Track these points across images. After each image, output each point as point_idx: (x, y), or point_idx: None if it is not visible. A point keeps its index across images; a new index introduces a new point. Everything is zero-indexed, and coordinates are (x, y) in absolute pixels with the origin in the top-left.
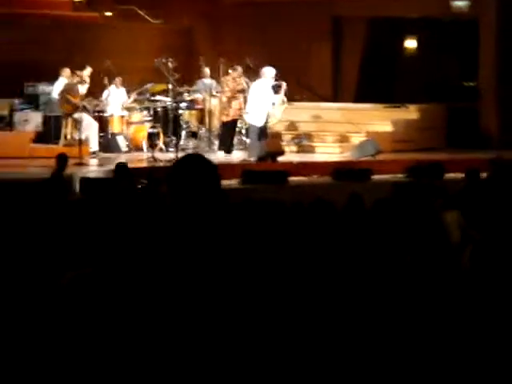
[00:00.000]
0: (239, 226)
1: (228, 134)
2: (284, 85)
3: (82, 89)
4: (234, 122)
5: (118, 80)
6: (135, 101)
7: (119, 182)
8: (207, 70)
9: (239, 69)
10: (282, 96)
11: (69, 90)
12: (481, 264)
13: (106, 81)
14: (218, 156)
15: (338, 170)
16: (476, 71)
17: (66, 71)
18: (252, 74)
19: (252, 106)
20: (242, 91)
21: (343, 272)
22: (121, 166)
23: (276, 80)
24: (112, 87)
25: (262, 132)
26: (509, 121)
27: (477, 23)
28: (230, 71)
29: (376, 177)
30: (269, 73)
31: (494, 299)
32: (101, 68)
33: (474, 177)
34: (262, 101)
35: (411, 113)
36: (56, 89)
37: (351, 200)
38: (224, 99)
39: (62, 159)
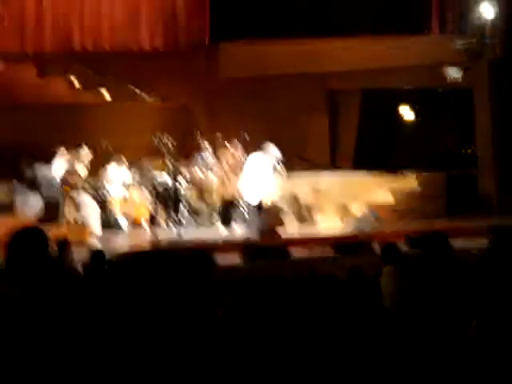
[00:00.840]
0: (242, 303)
1: (228, 209)
2: (282, 170)
3: (80, 169)
4: (234, 197)
5: (119, 158)
6: (135, 179)
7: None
8: (206, 145)
9: (238, 145)
10: (277, 178)
11: (67, 170)
12: (487, 336)
13: (106, 160)
14: (220, 231)
15: (340, 243)
16: (473, 138)
17: (63, 151)
18: (249, 147)
19: (252, 180)
20: (241, 167)
21: (345, 346)
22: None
23: (278, 163)
24: (112, 165)
25: (261, 206)
26: (507, 186)
27: (471, 91)
28: (228, 146)
29: (378, 248)
30: (272, 151)
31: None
32: (99, 148)
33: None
34: (260, 175)
35: (410, 181)
36: (54, 169)
37: (352, 274)
38: (222, 175)
39: (62, 244)
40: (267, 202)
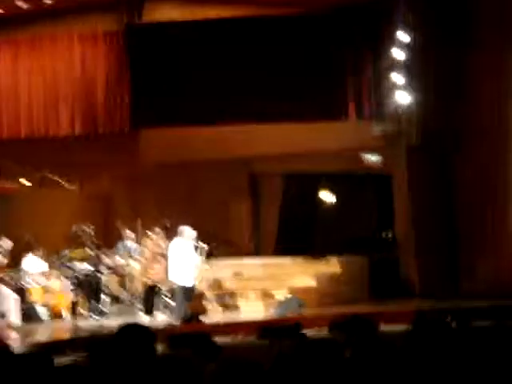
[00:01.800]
0: None
1: (150, 296)
2: (205, 248)
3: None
4: (156, 285)
5: (37, 248)
6: (54, 268)
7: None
8: (128, 233)
9: (160, 232)
10: (202, 258)
11: None
12: None
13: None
14: (142, 320)
15: (264, 328)
16: (393, 222)
17: None
18: (170, 234)
19: (176, 265)
20: (162, 254)
21: None
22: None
23: (196, 241)
24: (30, 256)
25: (189, 293)
26: (427, 270)
27: (390, 176)
28: (149, 233)
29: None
30: (188, 232)
31: None
32: (20, 239)
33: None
34: (184, 260)
35: (333, 266)
36: None
37: (278, 359)
38: (144, 262)
39: None
40: (190, 287)
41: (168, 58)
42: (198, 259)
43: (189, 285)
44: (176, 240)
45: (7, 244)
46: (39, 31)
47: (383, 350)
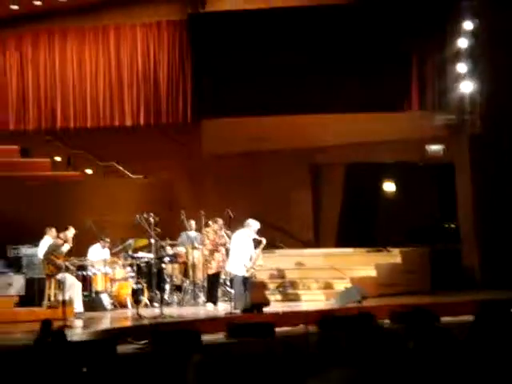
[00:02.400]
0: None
1: (213, 286)
2: (263, 241)
3: (64, 249)
4: (217, 274)
5: (105, 241)
6: (118, 257)
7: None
8: (192, 223)
9: (220, 221)
10: (259, 252)
11: (53, 251)
12: None
13: (90, 238)
14: (206, 308)
15: (324, 319)
16: (455, 212)
17: (53, 231)
18: (233, 224)
19: (234, 255)
20: (224, 244)
21: None
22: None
23: (257, 234)
24: (96, 245)
25: (246, 282)
26: (490, 260)
27: (452, 166)
28: (210, 223)
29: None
30: (254, 225)
31: None
32: (83, 227)
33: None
34: (244, 251)
35: (394, 256)
36: (42, 248)
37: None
38: (206, 252)
39: (45, 325)
40: (252, 277)
41: (231, 48)
42: (254, 251)
43: (243, 274)
44: (240, 231)
45: (71, 232)
46: (104, 20)
47: (445, 341)
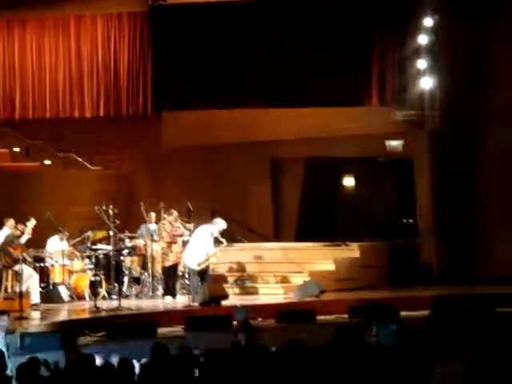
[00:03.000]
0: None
1: (170, 278)
2: (224, 243)
3: (23, 240)
4: (175, 266)
5: (63, 233)
6: (76, 249)
7: None
8: (153, 215)
9: (175, 213)
10: (215, 251)
11: (10, 242)
12: None
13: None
14: (165, 301)
15: (281, 313)
16: (414, 207)
17: (11, 222)
18: (193, 217)
19: (192, 249)
20: (180, 235)
21: None
22: None
23: (220, 234)
24: (55, 237)
25: (204, 275)
26: (447, 256)
27: (412, 161)
28: (165, 216)
29: (320, 317)
30: (221, 224)
31: None
32: (41, 218)
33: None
34: (203, 246)
35: (353, 251)
36: (1, 239)
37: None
38: (163, 244)
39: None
40: (210, 270)
41: (191, 40)
42: (211, 249)
43: (205, 267)
44: (204, 226)
45: (32, 223)
46: (65, 10)
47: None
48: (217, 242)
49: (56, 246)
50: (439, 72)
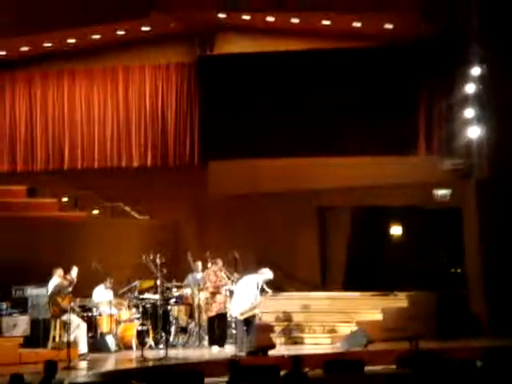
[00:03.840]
0: None
1: (216, 327)
2: (270, 293)
3: (71, 290)
4: (221, 316)
5: (108, 281)
6: (123, 298)
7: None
8: (199, 265)
9: (220, 262)
10: (260, 300)
11: (59, 292)
12: None
13: (95, 279)
14: (212, 351)
15: (329, 363)
16: (462, 257)
17: (60, 271)
18: (239, 267)
19: (238, 298)
20: (224, 285)
21: None
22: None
23: (266, 284)
24: (100, 287)
25: (249, 325)
26: (497, 307)
27: (459, 211)
28: (209, 265)
29: (368, 368)
30: (267, 274)
31: None
32: (88, 268)
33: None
34: (248, 296)
35: (400, 301)
36: (50, 288)
37: None
38: (207, 294)
39: (49, 367)
40: (257, 319)
41: (238, 90)
42: (258, 299)
43: (239, 317)
44: (250, 276)
45: (75, 272)
46: (113, 61)
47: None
48: (263, 291)
49: (102, 295)
50: (487, 121)
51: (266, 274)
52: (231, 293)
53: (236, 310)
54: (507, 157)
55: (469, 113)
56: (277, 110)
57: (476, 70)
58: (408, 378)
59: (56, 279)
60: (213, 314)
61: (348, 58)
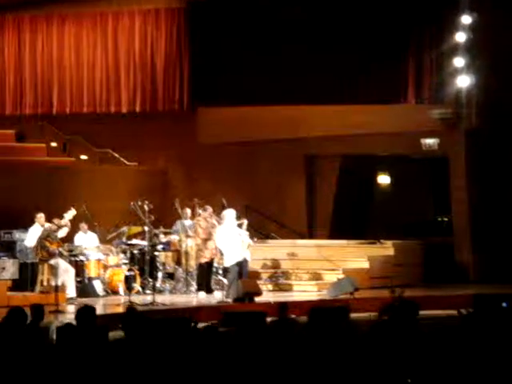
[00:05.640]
0: None
1: (205, 274)
2: (245, 222)
3: (62, 233)
4: (210, 263)
5: (83, 226)
6: (111, 244)
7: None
8: (188, 212)
9: (209, 209)
10: (244, 232)
11: (47, 236)
12: None
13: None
14: (199, 297)
15: (315, 310)
16: (449, 206)
17: (41, 217)
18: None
19: (222, 249)
20: (214, 231)
21: None
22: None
23: (237, 218)
24: (79, 233)
25: (241, 271)
26: (483, 255)
27: (447, 160)
28: (200, 212)
29: (354, 315)
30: (229, 214)
31: None
32: (77, 212)
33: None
34: (231, 242)
35: (387, 249)
36: (30, 235)
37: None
38: (199, 241)
39: (36, 310)
40: (240, 264)
41: (229, 37)
42: (243, 235)
43: (238, 261)
44: (219, 227)
45: (72, 214)
46: (103, 7)
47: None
48: (239, 225)
49: (90, 240)
50: (476, 70)
51: (227, 214)
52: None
53: (228, 259)
54: (496, 106)
55: (459, 62)
56: (267, 58)
57: (466, 19)
58: (391, 326)
59: (37, 225)
60: (206, 259)
61: (337, 6)
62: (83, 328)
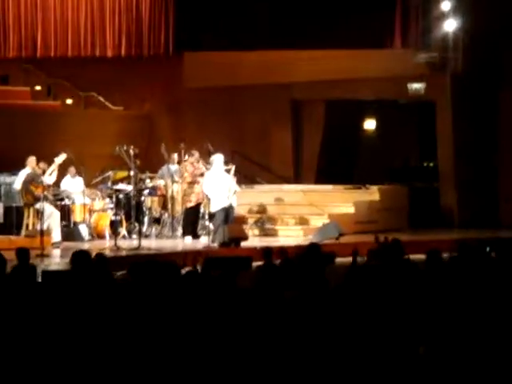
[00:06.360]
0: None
1: (191, 219)
2: (232, 168)
3: (52, 178)
4: (196, 208)
5: (71, 170)
6: (97, 188)
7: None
8: (175, 156)
9: (196, 154)
10: (232, 178)
11: (32, 180)
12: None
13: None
14: (184, 241)
15: (300, 255)
16: (435, 151)
17: (32, 160)
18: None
19: (209, 194)
20: (202, 175)
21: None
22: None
23: (225, 163)
24: (66, 177)
25: (227, 216)
26: (468, 200)
27: (433, 104)
28: (186, 157)
29: (339, 260)
30: (217, 159)
31: None
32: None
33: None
34: (218, 188)
35: (372, 194)
36: (19, 178)
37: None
38: (185, 186)
39: (21, 254)
40: (227, 209)
41: None
42: (230, 181)
43: (227, 208)
44: (208, 173)
45: (62, 158)
46: None
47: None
48: (227, 171)
49: (76, 185)
50: (463, 14)
51: (216, 159)
52: None
53: (215, 205)
54: (482, 51)
55: (445, 5)
56: (253, 2)
57: None
58: (376, 270)
59: (28, 169)
60: (192, 204)
61: None
62: (78, 273)
